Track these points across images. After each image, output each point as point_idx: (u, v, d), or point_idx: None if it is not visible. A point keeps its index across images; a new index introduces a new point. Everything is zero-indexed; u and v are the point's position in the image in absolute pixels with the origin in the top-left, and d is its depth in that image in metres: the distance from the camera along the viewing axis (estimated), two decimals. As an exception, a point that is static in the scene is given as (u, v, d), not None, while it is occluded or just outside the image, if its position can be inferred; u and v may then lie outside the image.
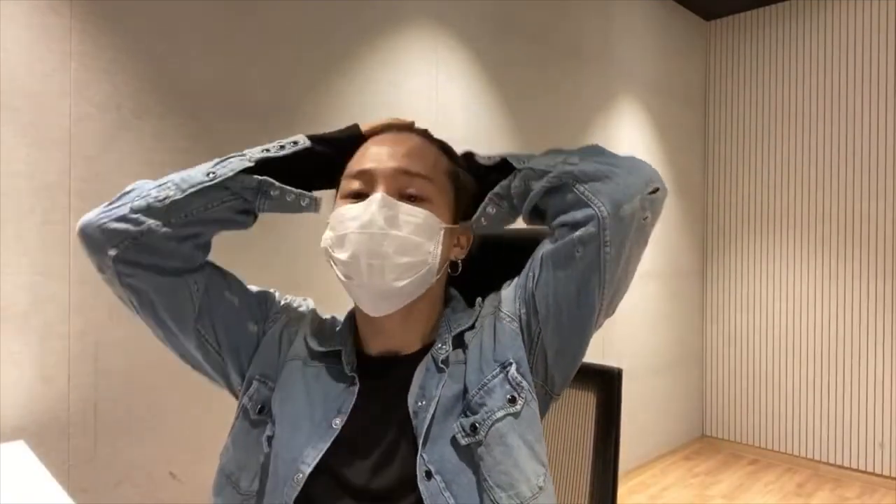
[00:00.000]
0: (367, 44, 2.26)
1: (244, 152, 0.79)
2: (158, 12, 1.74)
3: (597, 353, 3.61)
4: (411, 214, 0.72)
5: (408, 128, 0.82)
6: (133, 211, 0.73)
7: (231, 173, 0.75)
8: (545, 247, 0.74)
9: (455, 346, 0.76)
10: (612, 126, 3.42)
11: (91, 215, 0.74)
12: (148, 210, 0.73)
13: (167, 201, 0.73)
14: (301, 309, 0.86)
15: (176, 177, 0.76)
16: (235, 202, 0.77)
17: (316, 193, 0.80)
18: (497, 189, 0.77)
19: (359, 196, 0.74)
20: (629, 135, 3.55)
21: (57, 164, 1.56)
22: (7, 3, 1.48)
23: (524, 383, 0.72)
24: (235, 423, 0.79)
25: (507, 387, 0.71)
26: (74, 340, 1.57)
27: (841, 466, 3.58)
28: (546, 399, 0.77)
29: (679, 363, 3.99)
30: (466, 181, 0.81)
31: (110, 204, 0.75)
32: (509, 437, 0.69)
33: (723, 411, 4.10)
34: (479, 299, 0.82)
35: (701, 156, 4.19)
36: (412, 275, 0.72)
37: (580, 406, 0.94)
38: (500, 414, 0.69)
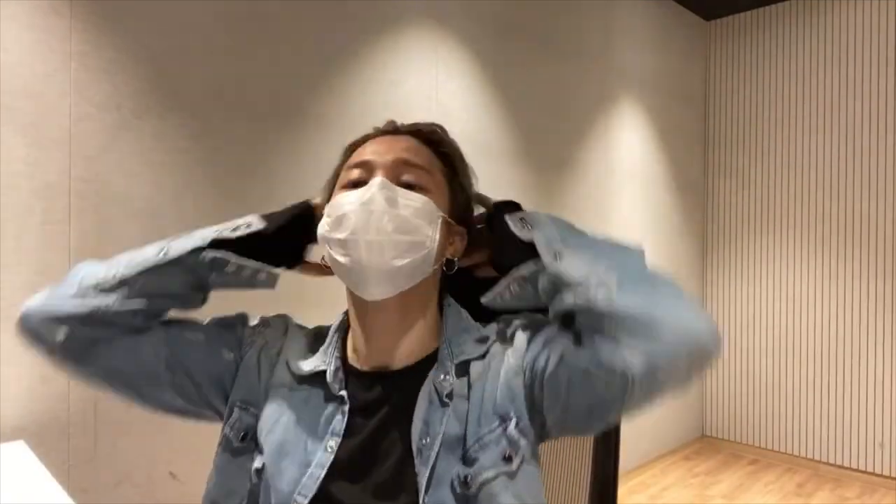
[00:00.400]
0: (367, 44, 2.26)
1: (195, 233, 0.77)
2: (158, 12, 1.74)
3: (597, 353, 3.56)
4: (410, 199, 0.71)
5: (403, 130, 0.81)
6: (80, 292, 0.72)
7: (184, 251, 0.74)
8: (569, 346, 0.67)
9: (459, 375, 0.72)
10: (613, 126, 3.42)
11: (34, 303, 0.73)
12: (96, 288, 0.72)
13: (116, 280, 0.72)
14: (279, 328, 0.83)
15: (125, 256, 0.75)
16: (187, 278, 0.76)
17: (275, 270, 0.78)
18: (524, 272, 0.72)
19: (358, 185, 0.73)
20: (629, 135, 3.55)
21: (57, 164, 1.56)
22: (7, 4, 1.48)
23: (522, 441, 0.68)
24: (218, 451, 0.76)
25: (504, 444, 0.68)
26: (74, 340, 1.57)
27: (841, 466, 3.59)
28: (542, 438, 0.74)
29: (679, 363, 3.98)
30: (462, 184, 0.80)
31: (56, 288, 0.74)
32: (502, 496, 0.66)
33: (723, 411, 4.10)
34: (496, 328, 0.78)
35: (701, 156, 4.19)
36: (411, 255, 0.70)
37: (580, 406, 0.94)
38: (491, 473, 0.66)
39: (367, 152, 0.76)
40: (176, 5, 1.77)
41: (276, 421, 0.73)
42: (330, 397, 0.73)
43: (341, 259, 0.71)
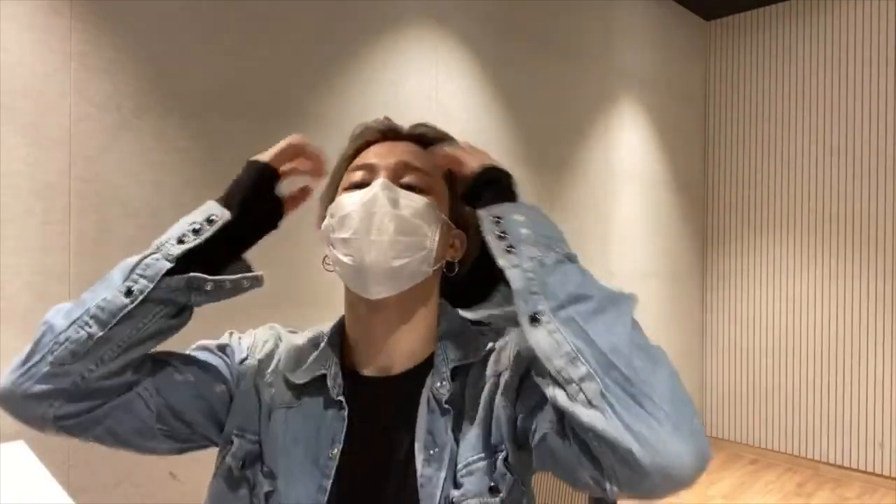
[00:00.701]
0: (367, 44, 2.26)
1: (157, 248, 0.68)
2: (158, 12, 1.74)
3: (597, 353, 3.56)
4: (411, 199, 0.72)
5: (402, 136, 0.81)
6: (56, 364, 0.64)
7: (152, 285, 0.66)
8: (552, 429, 0.62)
9: (456, 379, 0.72)
10: (612, 126, 3.42)
11: (8, 380, 0.65)
12: (73, 357, 0.64)
13: (90, 341, 0.64)
14: (268, 344, 0.80)
15: (90, 305, 0.65)
16: (166, 310, 0.68)
17: (258, 273, 0.74)
18: (498, 313, 0.75)
19: (360, 186, 0.74)
20: (629, 135, 3.55)
21: (57, 164, 1.56)
22: (7, 3, 1.48)
23: (509, 476, 0.67)
24: (214, 482, 0.74)
25: (491, 475, 0.66)
26: (74, 340, 1.57)
27: (841, 466, 3.59)
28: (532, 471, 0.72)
29: (679, 363, 3.96)
30: (461, 188, 0.80)
31: (26, 360, 0.65)
32: None
33: (723, 411, 4.09)
34: (490, 337, 0.77)
35: (701, 156, 4.19)
36: (411, 255, 0.71)
37: (580, 406, 0.94)
38: (474, 502, 0.65)
39: (370, 155, 0.77)
40: (176, 5, 1.77)
41: (278, 444, 0.72)
42: (329, 403, 0.73)
43: (344, 258, 0.71)
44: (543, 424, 0.63)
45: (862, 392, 3.53)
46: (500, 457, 0.67)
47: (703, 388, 4.19)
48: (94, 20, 1.62)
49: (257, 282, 0.74)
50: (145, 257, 0.68)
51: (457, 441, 0.69)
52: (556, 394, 0.57)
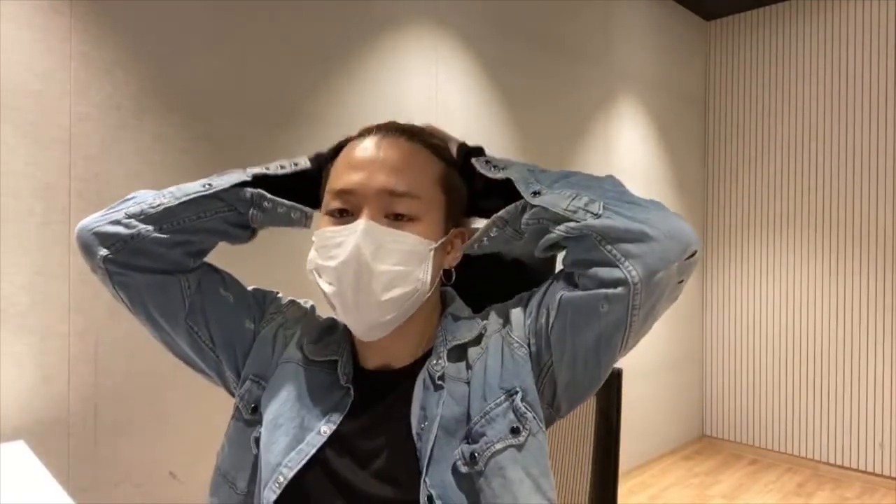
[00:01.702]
0: (367, 44, 2.26)
1: (246, 170, 0.80)
2: (158, 12, 1.74)
3: (597, 353, 3.53)
4: (398, 241, 0.69)
5: (394, 129, 0.77)
6: (127, 216, 0.75)
7: (227, 185, 0.77)
8: (565, 290, 0.68)
9: (455, 360, 0.73)
10: (612, 126, 3.42)
11: (89, 219, 0.76)
12: (141, 215, 0.75)
13: (160, 208, 0.75)
14: (300, 311, 0.85)
15: (174, 187, 0.78)
16: (229, 214, 0.78)
17: (308, 209, 0.80)
18: (502, 214, 0.73)
19: (343, 213, 0.72)
20: (629, 135, 3.55)
21: (57, 164, 1.56)
22: (7, 3, 1.48)
23: (529, 414, 0.68)
24: (231, 422, 0.79)
25: (512, 416, 0.68)
26: (74, 340, 1.58)
27: (841, 466, 3.59)
28: (549, 420, 0.74)
29: (679, 363, 3.99)
30: (459, 183, 0.79)
31: (109, 208, 0.77)
32: (510, 469, 0.66)
33: (723, 411, 4.10)
34: (489, 312, 0.78)
35: (701, 156, 4.19)
36: (401, 304, 0.71)
37: (580, 406, 0.94)
38: (499, 445, 0.66)
39: (353, 171, 0.72)
40: (176, 5, 1.77)
41: (277, 393, 0.75)
42: (335, 386, 0.75)
43: (333, 303, 0.73)
44: (553, 298, 0.69)
45: (862, 392, 3.53)
46: (517, 398, 0.69)
47: (703, 388, 4.19)
48: (94, 20, 1.62)
49: (306, 218, 0.79)
50: (231, 171, 0.80)
51: (468, 405, 0.70)
52: (567, 225, 0.66)
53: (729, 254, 4.08)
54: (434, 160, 0.76)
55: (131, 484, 1.67)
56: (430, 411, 0.70)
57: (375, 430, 0.72)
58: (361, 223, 0.69)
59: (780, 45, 3.86)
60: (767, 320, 3.90)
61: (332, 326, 0.83)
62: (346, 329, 0.80)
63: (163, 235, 0.74)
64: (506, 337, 0.73)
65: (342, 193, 0.72)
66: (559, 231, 0.67)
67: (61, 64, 1.57)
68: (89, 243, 0.75)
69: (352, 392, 0.74)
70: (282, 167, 0.80)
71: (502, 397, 0.69)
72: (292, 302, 0.86)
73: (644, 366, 3.67)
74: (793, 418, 3.78)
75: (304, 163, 0.81)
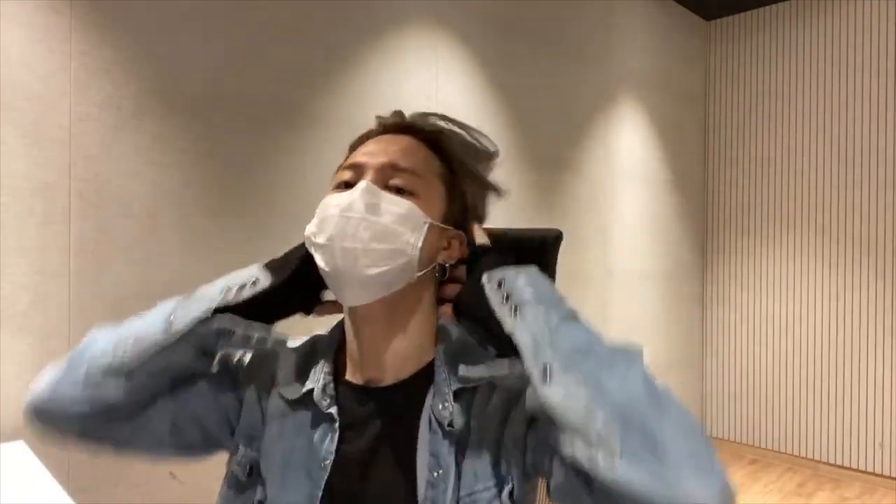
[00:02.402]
0: (367, 44, 2.26)
1: (202, 293, 0.74)
2: (158, 12, 1.74)
3: (597, 353, 3.54)
4: (394, 204, 0.70)
5: (404, 129, 0.79)
6: (89, 381, 0.71)
7: (189, 324, 0.72)
8: (563, 475, 0.60)
9: (456, 400, 0.70)
10: (612, 126, 3.42)
11: (43, 390, 0.73)
12: (105, 374, 0.71)
13: (123, 367, 0.71)
14: (269, 355, 0.80)
15: (132, 330, 0.73)
16: (195, 349, 0.74)
17: (281, 336, 0.77)
18: (502, 371, 0.69)
19: (348, 186, 0.73)
20: (629, 135, 3.55)
21: (57, 164, 1.56)
22: (7, 3, 1.48)
23: None
24: (222, 488, 0.76)
25: None
26: (74, 340, 1.57)
27: (841, 466, 3.58)
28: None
29: (679, 363, 3.99)
30: (462, 186, 0.77)
31: (64, 368, 0.73)
32: None
33: (723, 411, 4.09)
34: (500, 362, 0.72)
35: (701, 156, 4.19)
36: (388, 264, 0.68)
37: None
38: None
39: (361, 153, 0.75)
40: (176, 5, 1.77)
41: (273, 453, 0.73)
42: (321, 417, 0.72)
43: (321, 263, 0.71)
44: (558, 473, 0.61)
45: (862, 392, 3.53)
46: (506, 489, 0.66)
47: (703, 388, 4.19)
48: (94, 20, 1.62)
49: (282, 344, 0.76)
50: (188, 299, 0.74)
51: (458, 465, 0.67)
52: (572, 448, 0.55)
53: (729, 254, 4.08)
54: (436, 160, 0.77)
55: (131, 484, 1.67)
56: (442, 460, 0.67)
57: (368, 465, 0.69)
58: (362, 183, 0.70)
59: (780, 46, 3.86)
60: (767, 320, 3.90)
61: (313, 349, 0.79)
62: (329, 345, 0.78)
63: (132, 395, 0.71)
64: (511, 420, 0.69)
65: (350, 167, 0.74)
66: (566, 451, 0.56)
67: (61, 64, 1.57)
68: (53, 418, 0.73)
69: (335, 416, 0.71)
70: (240, 288, 0.73)
71: (492, 483, 0.67)
72: (249, 348, 0.80)
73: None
74: (793, 418, 3.78)
75: (262, 279, 0.74)
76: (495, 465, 0.67)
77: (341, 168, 0.76)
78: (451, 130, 0.80)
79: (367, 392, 0.73)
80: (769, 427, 3.87)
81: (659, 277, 3.79)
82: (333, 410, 0.71)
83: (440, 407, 0.69)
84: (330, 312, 0.79)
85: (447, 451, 0.67)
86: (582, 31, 3.22)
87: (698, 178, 4.16)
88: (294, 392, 0.74)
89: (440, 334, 0.75)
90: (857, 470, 3.53)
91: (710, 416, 4.15)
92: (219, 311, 0.72)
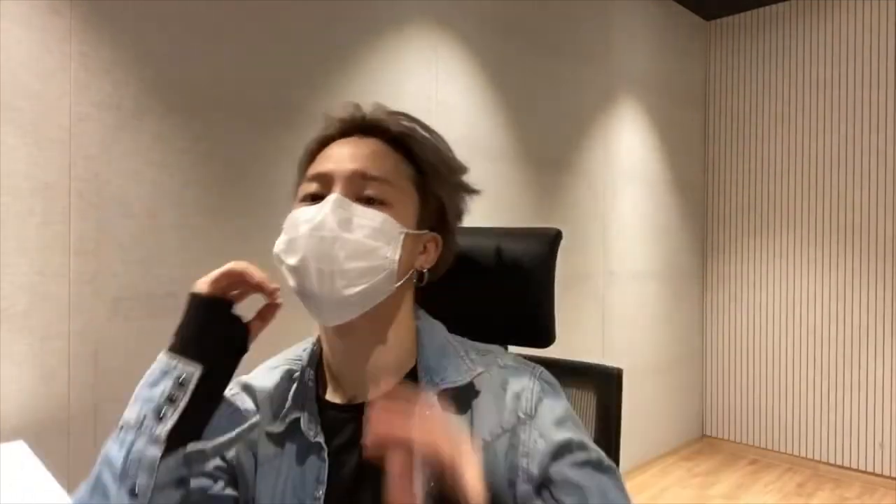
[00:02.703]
0: (367, 44, 2.26)
1: (138, 427, 0.60)
2: (158, 12, 1.74)
3: (597, 353, 3.57)
4: (368, 217, 0.66)
5: (369, 130, 0.74)
6: None
7: (152, 479, 0.60)
8: None
9: (445, 407, 0.68)
10: (612, 127, 3.42)
11: None
12: None
13: None
14: (237, 410, 0.74)
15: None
16: (174, 484, 0.63)
17: (245, 426, 0.67)
18: None
19: (316, 198, 0.69)
20: (629, 135, 3.55)
21: (57, 164, 1.56)
22: (7, 3, 1.48)
23: None
24: None
25: None
26: (74, 340, 1.57)
27: (841, 466, 3.59)
28: None
29: (679, 363, 3.99)
30: (434, 189, 0.74)
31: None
32: None
33: (723, 411, 4.09)
34: (480, 370, 0.72)
35: (701, 156, 4.19)
36: (366, 281, 0.66)
37: (580, 406, 0.94)
38: None
39: (327, 161, 0.71)
40: (176, 5, 1.77)
41: (271, 492, 0.70)
42: (309, 447, 0.70)
43: (292, 284, 0.68)
44: None
45: (862, 392, 3.53)
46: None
47: (703, 388, 4.19)
48: (94, 20, 1.62)
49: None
50: (131, 447, 0.60)
51: None
52: None
53: (729, 254, 4.08)
54: (404, 164, 0.73)
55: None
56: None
57: (360, 487, 0.68)
58: (332, 196, 0.67)
59: (780, 46, 3.86)
60: (767, 320, 3.90)
61: (288, 375, 0.75)
62: (307, 367, 0.75)
63: None
64: (514, 453, 0.67)
65: (316, 178, 0.70)
66: None
67: (61, 64, 1.57)
68: None
69: (323, 445, 0.69)
70: (171, 399, 0.61)
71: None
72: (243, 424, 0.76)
73: (644, 366, 3.67)
74: (793, 418, 3.78)
75: (188, 372, 0.62)
76: (495, 480, 0.66)
77: (306, 179, 0.72)
78: (414, 128, 0.75)
79: (352, 411, 0.71)
80: (769, 427, 3.87)
81: (659, 277, 3.79)
82: (321, 439, 0.69)
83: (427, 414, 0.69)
84: (262, 328, 0.71)
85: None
86: (582, 31, 3.22)
87: (698, 178, 4.16)
88: (279, 426, 0.71)
89: (419, 338, 0.74)
90: (857, 470, 3.53)
91: (710, 416, 4.15)
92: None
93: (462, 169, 0.78)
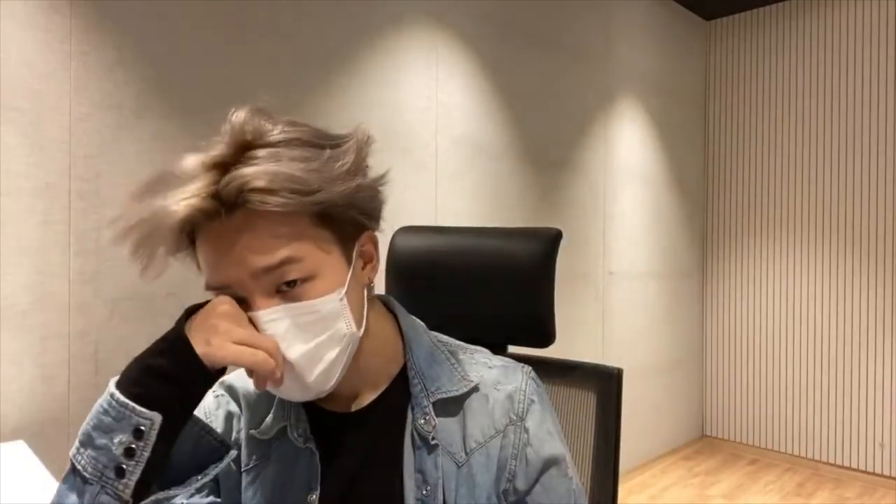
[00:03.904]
0: (367, 44, 2.26)
1: (97, 481, 0.54)
2: (158, 12, 1.74)
3: (597, 352, 3.57)
4: (302, 313, 0.60)
5: (236, 202, 0.59)
6: None
7: None
8: None
9: (442, 414, 0.69)
10: (612, 126, 3.42)
11: None
12: None
13: None
14: (222, 411, 0.73)
15: None
16: None
17: (213, 436, 0.65)
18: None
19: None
20: (629, 135, 3.55)
21: (57, 164, 1.56)
22: (7, 3, 1.48)
23: None
24: None
25: None
26: (74, 340, 1.57)
27: (841, 466, 3.59)
28: None
29: (679, 363, 3.99)
30: (333, 209, 0.61)
31: None
32: None
33: (723, 411, 4.09)
34: (476, 383, 0.71)
35: (701, 156, 4.19)
36: (332, 352, 0.62)
37: (580, 406, 0.94)
38: None
39: (216, 271, 0.60)
40: (176, 5, 1.77)
41: (261, 497, 0.69)
42: (300, 452, 0.69)
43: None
44: None
45: (862, 392, 3.53)
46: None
47: (703, 388, 4.19)
48: (94, 20, 1.62)
49: (228, 456, 0.63)
50: (95, 501, 0.54)
51: (447, 479, 0.66)
52: None
53: (729, 254, 4.08)
54: (289, 209, 0.58)
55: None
56: (430, 476, 0.66)
57: (355, 491, 0.68)
58: (254, 316, 0.59)
59: (780, 45, 3.86)
60: (767, 320, 3.90)
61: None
62: None
63: None
64: (500, 467, 0.68)
65: (220, 289, 0.61)
66: None
67: (61, 64, 1.57)
68: None
69: (315, 450, 0.68)
70: (128, 453, 0.54)
71: (483, 495, 0.67)
72: (205, 415, 0.73)
73: (644, 366, 3.67)
74: (793, 418, 3.78)
75: (146, 420, 0.54)
76: (481, 485, 0.67)
77: (208, 285, 0.62)
78: (271, 174, 0.59)
79: (342, 417, 0.70)
80: (769, 427, 3.87)
81: (659, 277, 3.79)
82: (312, 445, 0.68)
83: (421, 422, 0.68)
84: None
85: (434, 466, 0.66)
86: (582, 31, 3.22)
87: (698, 178, 4.16)
88: (266, 432, 0.70)
89: (407, 342, 0.72)
90: (857, 470, 3.53)
91: (710, 416, 4.15)
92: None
93: (336, 158, 0.62)
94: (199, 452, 0.63)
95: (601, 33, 3.35)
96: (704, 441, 4.14)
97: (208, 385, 0.58)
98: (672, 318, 3.91)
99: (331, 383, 0.63)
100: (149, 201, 0.58)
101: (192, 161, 0.64)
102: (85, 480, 0.54)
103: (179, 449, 0.59)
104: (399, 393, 0.70)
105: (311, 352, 0.61)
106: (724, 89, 4.11)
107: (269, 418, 0.71)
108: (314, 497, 0.67)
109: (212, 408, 0.73)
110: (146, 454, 0.54)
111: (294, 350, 0.60)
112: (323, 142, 0.64)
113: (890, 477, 3.42)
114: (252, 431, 0.71)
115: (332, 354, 0.62)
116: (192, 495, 0.66)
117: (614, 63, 3.44)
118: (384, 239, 1.03)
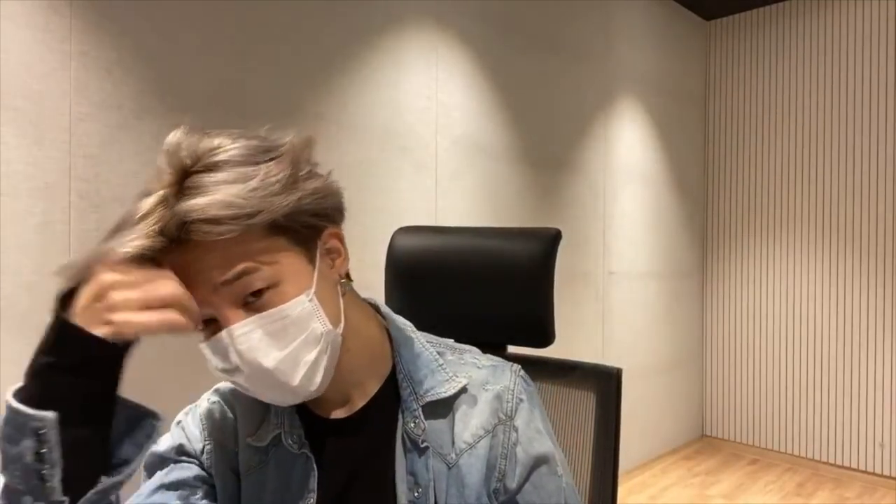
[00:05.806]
0: (367, 44, 2.26)
1: (34, 492, 0.53)
2: (158, 12, 1.74)
3: (597, 353, 3.56)
4: (274, 321, 0.60)
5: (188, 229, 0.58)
6: None
7: None
8: None
9: (432, 416, 0.69)
10: (612, 126, 3.42)
11: None
12: None
13: None
14: (217, 417, 0.73)
15: None
16: None
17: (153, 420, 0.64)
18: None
19: (207, 323, 0.61)
20: (629, 135, 3.55)
21: (57, 164, 1.56)
22: (7, 3, 1.48)
23: None
24: None
25: None
26: (74, 340, 1.57)
27: (841, 466, 3.59)
28: None
29: (679, 363, 3.99)
30: (293, 217, 0.61)
31: None
32: None
33: (723, 411, 4.10)
34: (465, 384, 0.71)
35: (701, 156, 4.19)
36: (311, 353, 0.62)
37: (580, 406, 0.94)
38: None
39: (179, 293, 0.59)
40: (176, 5, 1.77)
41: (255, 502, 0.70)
42: (296, 458, 0.70)
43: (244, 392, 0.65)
44: None
45: (862, 392, 3.53)
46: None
47: (703, 388, 4.19)
48: (94, 20, 1.62)
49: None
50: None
51: (438, 481, 0.67)
52: None
53: (729, 254, 4.08)
54: (245, 224, 0.58)
55: (131, 484, 1.67)
56: (420, 478, 0.67)
57: (354, 497, 0.69)
58: (227, 334, 0.59)
59: (780, 45, 3.86)
60: (767, 320, 3.90)
61: None
62: None
63: None
64: (492, 467, 0.68)
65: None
66: None
67: (61, 64, 1.57)
68: None
69: (310, 455, 0.69)
70: (38, 457, 0.53)
71: (473, 496, 0.68)
72: (200, 420, 0.74)
73: (644, 366, 3.67)
74: (793, 418, 3.78)
75: (41, 420, 0.54)
76: (473, 486, 0.67)
77: None
78: (214, 180, 0.59)
79: (335, 423, 0.71)
80: (769, 427, 3.87)
81: (659, 277, 3.79)
82: (307, 451, 0.69)
83: (412, 425, 0.68)
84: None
85: (425, 468, 0.67)
86: (582, 31, 3.22)
87: (698, 178, 4.16)
88: (261, 438, 0.71)
89: (395, 344, 0.73)
90: (857, 470, 3.53)
91: (710, 416, 4.15)
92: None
93: (273, 173, 0.61)
94: (135, 430, 0.62)
95: (601, 33, 3.35)
96: (704, 441, 4.14)
97: (115, 363, 0.56)
98: (672, 318, 3.91)
99: (316, 383, 0.63)
100: (104, 242, 0.61)
101: (144, 200, 0.63)
102: (18, 492, 0.53)
103: (116, 430, 0.59)
104: (389, 396, 0.71)
105: (288, 357, 0.60)
106: (724, 89, 4.11)
107: (263, 425, 0.71)
108: (311, 502, 0.68)
109: (207, 414, 0.74)
110: (55, 455, 0.53)
111: (271, 358, 0.59)
112: (258, 157, 0.61)
113: (890, 477, 3.42)
114: (248, 439, 0.71)
115: (311, 356, 0.62)
116: (188, 499, 0.68)
117: (614, 63, 3.43)
118: (384, 239, 1.04)
